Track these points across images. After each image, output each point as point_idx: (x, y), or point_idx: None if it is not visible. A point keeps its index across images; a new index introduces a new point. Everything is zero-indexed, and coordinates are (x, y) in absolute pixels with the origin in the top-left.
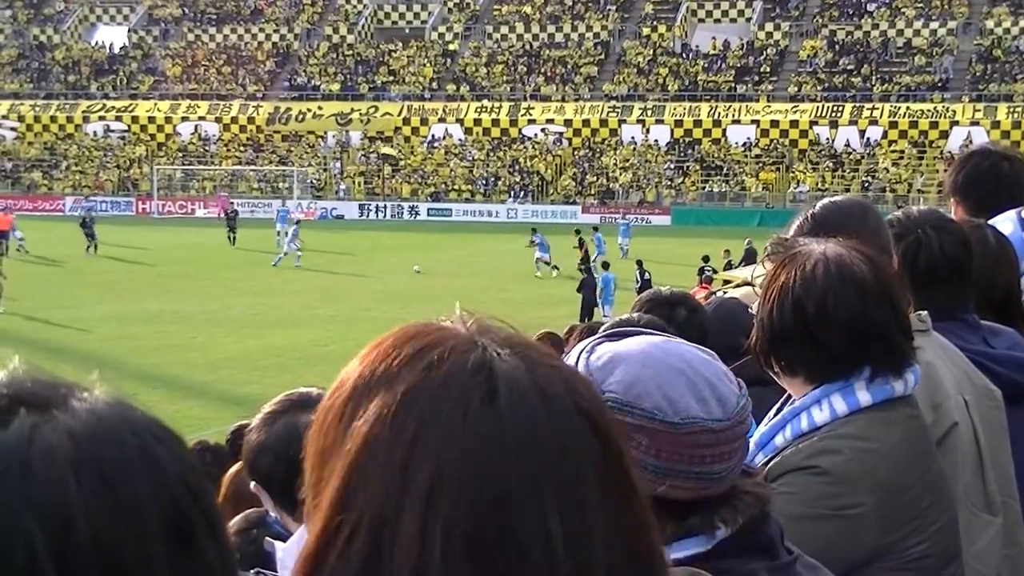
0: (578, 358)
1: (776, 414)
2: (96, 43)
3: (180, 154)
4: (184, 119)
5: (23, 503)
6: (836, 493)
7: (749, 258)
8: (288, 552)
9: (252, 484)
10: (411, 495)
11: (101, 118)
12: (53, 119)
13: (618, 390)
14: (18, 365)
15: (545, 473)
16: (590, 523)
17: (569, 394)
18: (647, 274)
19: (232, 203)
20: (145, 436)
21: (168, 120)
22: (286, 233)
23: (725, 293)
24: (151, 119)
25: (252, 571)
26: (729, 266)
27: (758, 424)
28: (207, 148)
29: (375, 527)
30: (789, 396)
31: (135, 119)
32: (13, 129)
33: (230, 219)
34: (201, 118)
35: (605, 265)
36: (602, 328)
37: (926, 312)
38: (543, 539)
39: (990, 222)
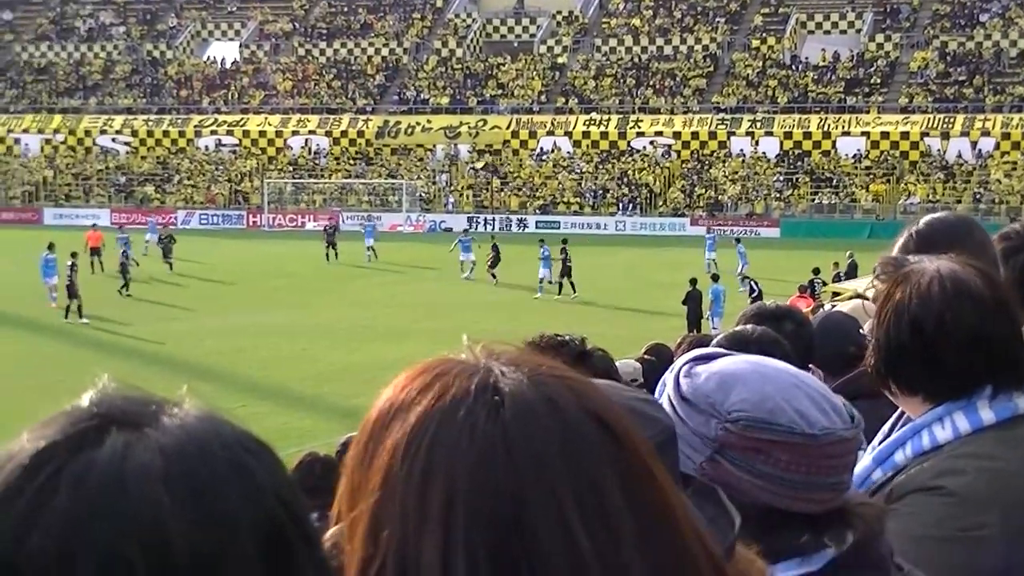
0: (676, 382)
1: (891, 430)
2: (208, 58)
3: (290, 167)
4: (294, 133)
5: (120, 523)
6: (962, 514)
7: (852, 271)
8: None
9: None
10: (428, 521)
11: (213, 132)
12: (165, 133)
13: (748, 408)
14: (108, 383)
15: (562, 481)
16: (620, 532)
17: (580, 402)
18: (758, 286)
19: (335, 218)
20: (236, 449)
21: (279, 134)
22: (373, 250)
23: (835, 306)
24: (262, 133)
25: None
26: (838, 278)
27: (869, 439)
28: (317, 161)
29: (400, 559)
30: (901, 411)
31: (246, 133)
32: (126, 144)
33: (329, 235)
34: (311, 132)
35: (715, 278)
36: (714, 340)
37: None
38: (569, 549)
39: None
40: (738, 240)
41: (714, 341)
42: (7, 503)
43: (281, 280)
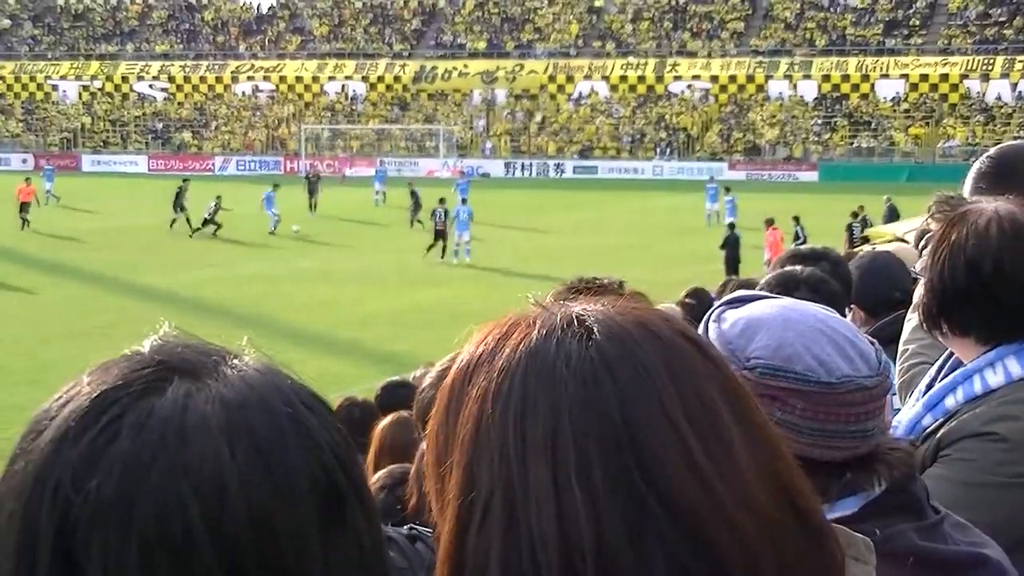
0: (706, 327)
1: (939, 375)
2: (244, 3)
3: (327, 113)
4: (331, 78)
5: (180, 471)
6: (1016, 460)
7: (891, 215)
8: None
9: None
10: (532, 449)
11: (249, 78)
12: (202, 79)
13: (765, 355)
14: (169, 330)
15: (668, 394)
16: (731, 447)
17: (668, 322)
18: (804, 230)
19: (316, 165)
20: (296, 405)
21: (315, 79)
22: (383, 194)
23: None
24: (298, 78)
25: (406, 527)
26: (851, 231)
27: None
28: (354, 107)
29: (507, 496)
30: (951, 356)
31: (283, 79)
32: (163, 90)
33: (312, 183)
34: (348, 77)
35: (731, 227)
36: (763, 281)
37: None
38: (687, 458)
39: None
40: (728, 189)
41: (762, 282)
42: (68, 445)
43: (320, 226)
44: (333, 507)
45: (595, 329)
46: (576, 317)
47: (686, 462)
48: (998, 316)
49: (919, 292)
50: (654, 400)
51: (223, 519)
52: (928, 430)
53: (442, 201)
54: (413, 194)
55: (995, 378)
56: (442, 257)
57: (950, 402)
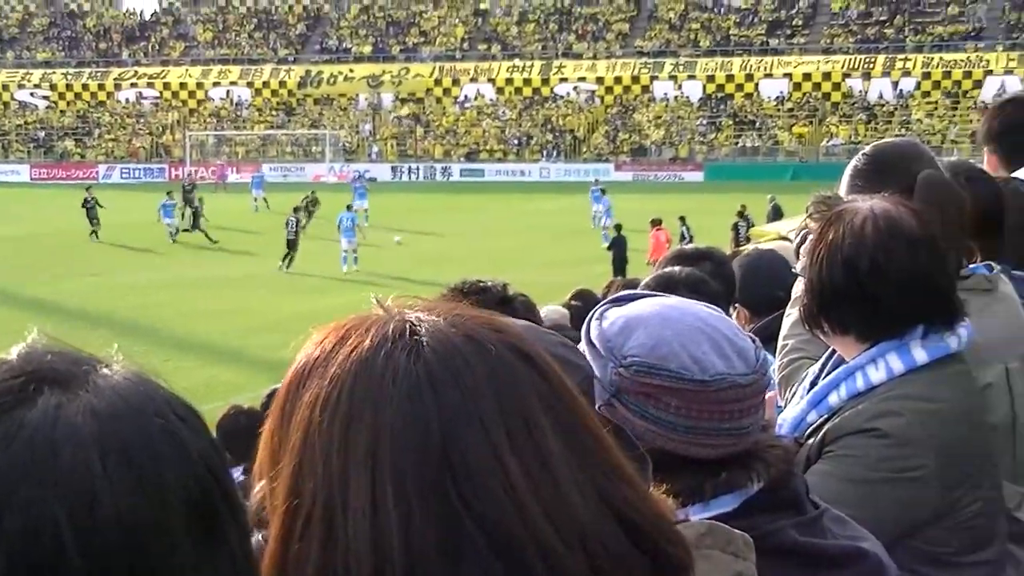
0: (589, 326)
1: (823, 372)
2: (127, 10)
3: (212, 119)
4: (216, 84)
5: (50, 484)
6: (899, 456)
7: (775, 215)
8: None
9: None
10: (354, 460)
11: (133, 85)
12: (85, 87)
13: (641, 353)
14: (38, 338)
15: (490, 412)
16: (551, 464)
17: (501, 336)
18: (690, 230)
19: (194, 175)
20: (168, 415)
21: (200, 86)
22: (264, 200)
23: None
24: (183, 85)
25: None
26: (736, 230)
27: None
28: (239, 113)
29: (326, 506)
30: (834, 353)
31: (167, 85)
32: (45, 98)
33: (187, 191)
34: (233, 83)
35: (618, 228)
36: (642, 283)
37: (997, 270)
38: (502, 478)
39: (1015, 173)
40: (603, 192)
41: (642, 284)
42: None
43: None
44: (205, 518)
45: (424, 343)
46: (409, 328)
47: (502, 483)
48: (876, 314)
49: (798, 288)
50: (475, 420)
51: (94, 532)
52: (812, 427)
53: (296, 210)
54: (311, 203)
55: (877, 374)
56: (288, 268)
57: (833, 399)
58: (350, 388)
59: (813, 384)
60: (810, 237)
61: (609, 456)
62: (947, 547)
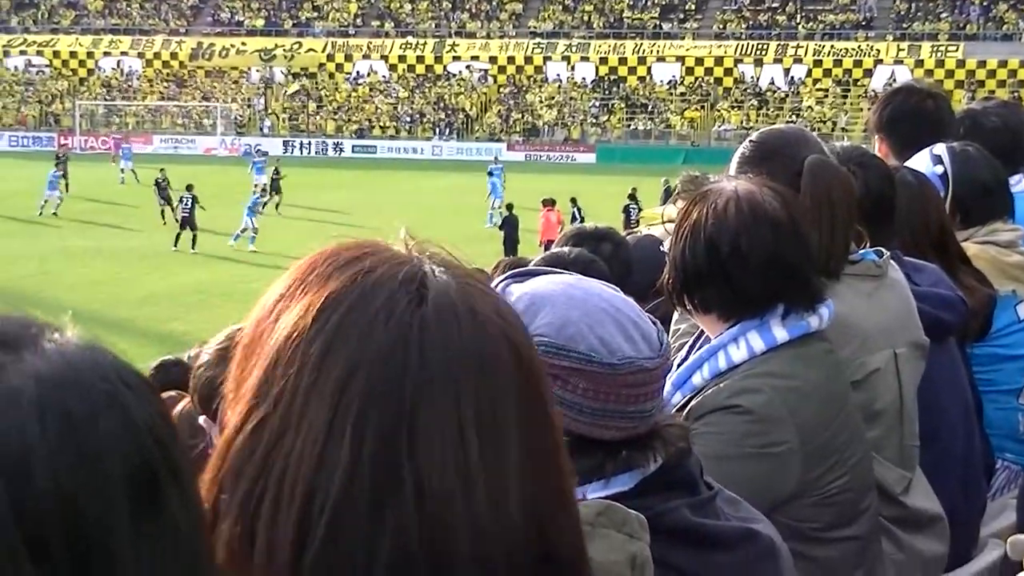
0: None
1: (688, 354)
2: None
3: (103, 90)
4: (106, 54)
5: None
6: (760, 432)
7: (668, 197)
8: None
9: (202, 418)
10: (323, 387)
11: (22, 52)
12: None
13: (549, 332)
14: None
15: (465, 385)
16: (506, 450)
17: (500, 320)
18: (581, 211)
19: (65, 144)
20: (115, 382)
21: (90, 55)
22: (133, 171)
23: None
24: (73, 54)
25: (202, 418)
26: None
27: None
28: (129, 84)
29: (284, 418)
30: (699, 335)
31: (56, 54)
32: None
33: (60, 160)
34: (123, 53)
35: (509, 207)
36: (532, 262)
37: (886, 256)
38: (458, 450)
39: (907, 163)
40: (491, 174)
41: (531, 263)
42: None
43: (94, 204)
44: (147, 489)
45: (428, 298)
46: (421, 279)
47: (455, 456)
48: (737, 295)
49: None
50: (450, 387)
51: (28, 499)
52: (676, 408)
53: (189, 188)
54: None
55: (738, 353)
56: (192, 248)
57: (697, 379)
58: (344, 313)
59: (680, 364)
60: (676, 216)
61: (560, 472)
62: (813, 523)
